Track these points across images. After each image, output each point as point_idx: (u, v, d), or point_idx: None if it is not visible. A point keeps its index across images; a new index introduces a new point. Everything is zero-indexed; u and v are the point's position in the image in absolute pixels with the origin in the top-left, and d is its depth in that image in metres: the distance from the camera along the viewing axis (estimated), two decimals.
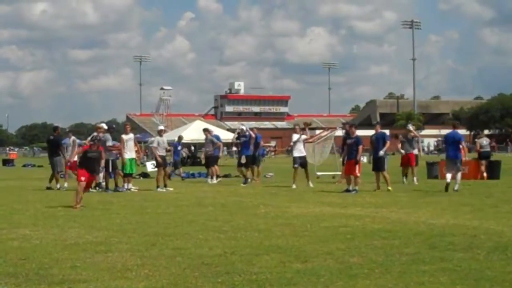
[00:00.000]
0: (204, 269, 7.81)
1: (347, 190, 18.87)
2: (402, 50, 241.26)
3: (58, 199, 17.49)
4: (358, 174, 19.25)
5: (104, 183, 20.75)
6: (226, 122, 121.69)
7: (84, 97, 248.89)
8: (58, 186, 21.69)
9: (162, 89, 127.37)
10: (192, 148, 52.39)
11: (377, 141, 20.59)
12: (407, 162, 23.17)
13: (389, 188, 19.40)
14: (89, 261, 8.41)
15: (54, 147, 22.63)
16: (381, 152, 20.16)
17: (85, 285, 7.04)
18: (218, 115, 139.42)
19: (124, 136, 21.05)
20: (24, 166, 49.03)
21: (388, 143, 20.67)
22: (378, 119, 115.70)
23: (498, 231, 10.66)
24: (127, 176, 20.85)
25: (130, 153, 20.91)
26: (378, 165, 20.23)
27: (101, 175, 20.91)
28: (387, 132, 24.48)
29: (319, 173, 27.26)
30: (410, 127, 24.30)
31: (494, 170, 25.12)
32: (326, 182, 24.07)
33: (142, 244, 9.65)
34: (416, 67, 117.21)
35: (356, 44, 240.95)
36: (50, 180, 22.09)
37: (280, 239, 10.07)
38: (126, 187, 20.65)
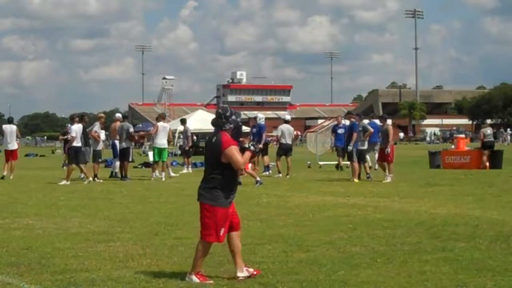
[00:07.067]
0: (207, 258, 7.80)
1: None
2: (405, 40, 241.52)
3: (60, 189, 17.50)
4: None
5: (119, 172, 20.89)
6: None
7: (86, 86, 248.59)
8: (81, 176, 20.20)
9: (164, 78, 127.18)
10: (195, 137, 52.39)
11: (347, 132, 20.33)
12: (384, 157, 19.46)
13: (355, 180, 19.15)
14: (91, 250, 8.43)
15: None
16: (349, 147, 19.63)
17: (87, 275, 7.06)
18: (220, 105, 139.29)
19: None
20: (26, 155, 49.04)
21: (355, 135, 19.58)
22: (381, 109, 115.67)
23: (500, 221, 10.66)
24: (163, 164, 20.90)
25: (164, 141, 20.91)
26: (348, 156, 20.04)
27: (117, 164, 21.00)
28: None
29: (321, 163, 27.28)
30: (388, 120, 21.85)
31: (496, 160, 25.06)
32: (328, 171, 24.05)
33: (144, 233, 9.67)
34: (418, 56, 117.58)
35: (358, 33, 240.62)
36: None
37: (283, 229, 10.09)
38: (158, 175, 20.62)
